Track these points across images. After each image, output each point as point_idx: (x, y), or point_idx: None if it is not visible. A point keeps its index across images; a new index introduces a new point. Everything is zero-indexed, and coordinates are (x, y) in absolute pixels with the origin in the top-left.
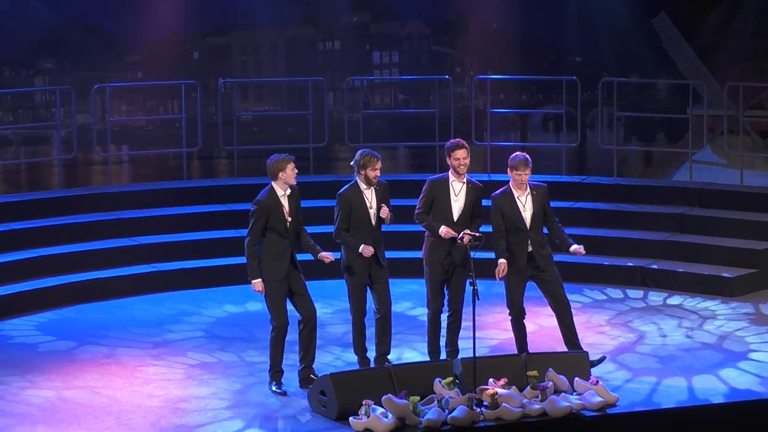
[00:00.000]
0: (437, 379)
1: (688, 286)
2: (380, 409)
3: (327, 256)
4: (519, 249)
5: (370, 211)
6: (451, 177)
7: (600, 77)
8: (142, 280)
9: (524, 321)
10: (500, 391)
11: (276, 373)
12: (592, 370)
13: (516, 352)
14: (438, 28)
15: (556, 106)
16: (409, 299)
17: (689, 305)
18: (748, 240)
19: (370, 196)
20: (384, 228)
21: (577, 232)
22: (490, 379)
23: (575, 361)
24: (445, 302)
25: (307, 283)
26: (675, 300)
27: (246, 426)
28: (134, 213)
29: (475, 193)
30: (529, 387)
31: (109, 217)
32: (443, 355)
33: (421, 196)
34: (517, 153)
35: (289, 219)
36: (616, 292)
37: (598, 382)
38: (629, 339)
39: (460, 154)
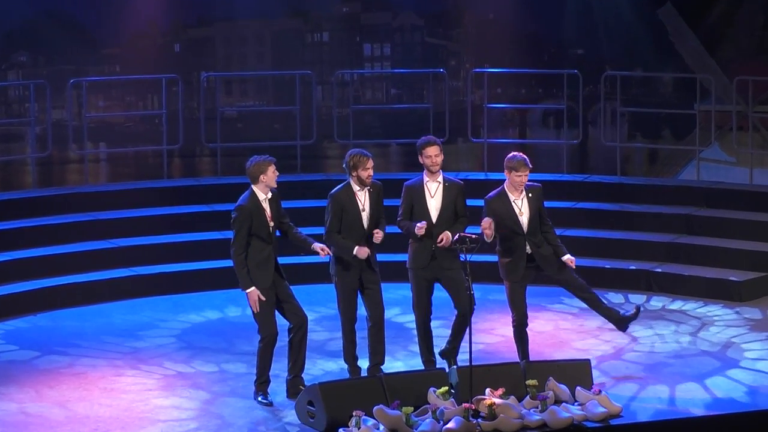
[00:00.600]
0: (431, 389)
1: (695, 291)
2: (371, 421)
3: (321, 247)
4: (517, 253)
5: (362, 213)
6: (425, 177)
7: (603, 71)
8: (120, 285)
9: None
10: (498, 401)
11: (262, 383)
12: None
13: (515, 357)
14: (432, 18)
15: (556, 101)
16: (398, 305)
17: (692, 310)
18: (758, 242)
19: (363, 198)
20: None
21: (578, 233)
22: (488, 389)
23: (577, 369)
24: (434, 310)
25: (292, 287)
26: (677, 305)
27: None
28: (112, 214)
29: (453, 192)
30: (528, 397)
31: (85, 218)
32: (439, 361)
33: (400, 202)
34: (515, 153)
35: (272, 224)
36: (617, 297)
37: (600, 391)
38: (619, 344)
39: (431, 151)
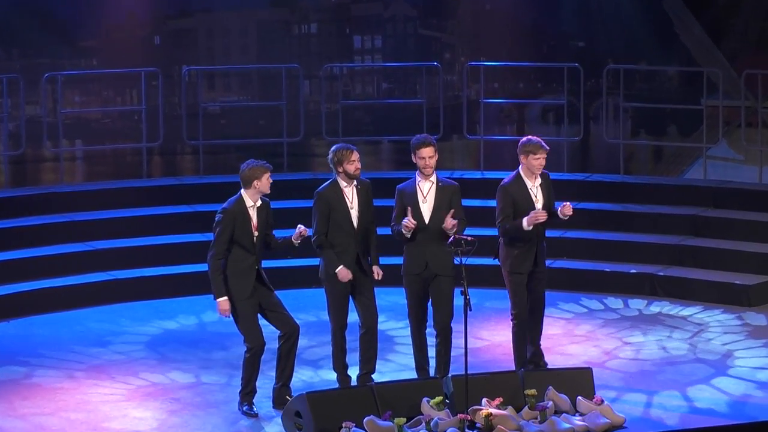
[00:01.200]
0: (425, 399)
1: (701, 295)
2: None
3: (300, 230)
4: (527, 244)
5: (351, 211)
6: (418, 177)
7: (605, 64)
8: (97, 290)
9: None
10: (495, 411)
11: (247, 393)
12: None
13: (513, 365)
14: (425, 9)
15: (556, 96)
16: (383, 312)
17: (691, 315)
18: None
19: (351, 195)
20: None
21: (578, 235)
22: (484, 399)
23: (578, 378)
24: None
25: (278, 293)
26: (677, 310)
27: None
28: (88, 215)
29: (448, 194)
30: (527, 407)
31: (60, 220)
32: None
33: (394, 207)
34: (530, 137)
35: (256, 233)
36: (616, 302)
37: (603, 401)
38: (606, 350)
39: (426, 152)
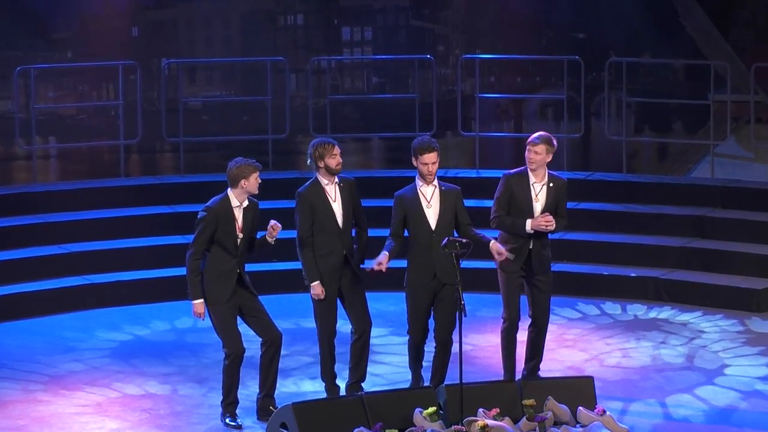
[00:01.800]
0: (418, 410)
1: (708, 300)
2: None
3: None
4: (520, 245)
5: (334, 210)
6: (419, 182)
7: (607, 56)
8: (72, 295)
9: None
10: (491, 422)
11: (229, 404)
12: None
13: (502, 369)
14: None
15: (555, 91)
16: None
17: (691, 321)
18: None
19: (333, 193)
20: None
21: (579, 236)
22: (480, 409)
23: (579, 387)
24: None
25: (264, 296)
26: (676, 314)
27: None
28: (63, 216)
29: (452, 198)
30: (525, 418)
31: (33, 221)
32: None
33: (393, 215)
34: (541, 132)
35: (240, 235)
36: (614, 307)
37: (605, 412)
38: (594, 355)
39: (429, 158)
